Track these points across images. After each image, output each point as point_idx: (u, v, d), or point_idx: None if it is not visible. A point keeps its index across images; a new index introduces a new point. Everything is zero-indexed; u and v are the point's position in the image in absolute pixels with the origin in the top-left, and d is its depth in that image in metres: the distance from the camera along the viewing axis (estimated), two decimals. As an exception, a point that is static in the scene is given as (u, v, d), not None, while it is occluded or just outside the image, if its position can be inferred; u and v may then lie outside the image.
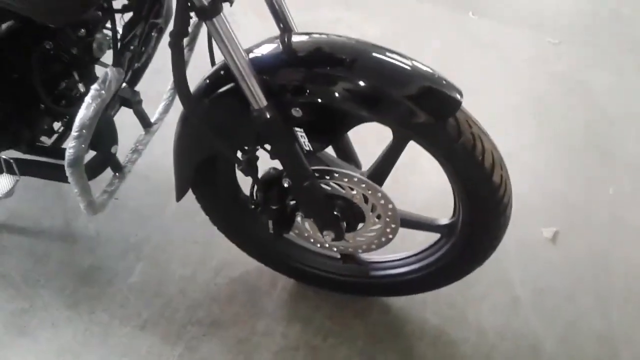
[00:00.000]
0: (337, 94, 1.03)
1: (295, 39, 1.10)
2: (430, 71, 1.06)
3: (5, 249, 1.65)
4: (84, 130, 1.01)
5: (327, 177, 1.19)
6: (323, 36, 1.10)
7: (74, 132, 1.02)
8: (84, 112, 1.01)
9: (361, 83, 1.03)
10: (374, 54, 1.06)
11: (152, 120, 1.51)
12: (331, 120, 1.10)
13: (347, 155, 1.34)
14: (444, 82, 1.05)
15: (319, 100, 1.05)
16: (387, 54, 1.06)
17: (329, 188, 1.20)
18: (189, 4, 0.92)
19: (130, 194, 1.80)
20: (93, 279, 1.60)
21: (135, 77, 1.42)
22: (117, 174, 1.39)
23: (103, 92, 1.01)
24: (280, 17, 1.14)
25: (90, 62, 1.18)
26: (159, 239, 1.69)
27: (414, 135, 1.11)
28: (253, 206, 1.21)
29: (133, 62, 1.18)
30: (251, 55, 1.07)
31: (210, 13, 0.93)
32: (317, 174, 1.19)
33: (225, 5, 0.97)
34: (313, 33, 1.11)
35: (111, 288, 1.58)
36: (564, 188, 1.88)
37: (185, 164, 1.28)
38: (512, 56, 2.39)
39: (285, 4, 1.14)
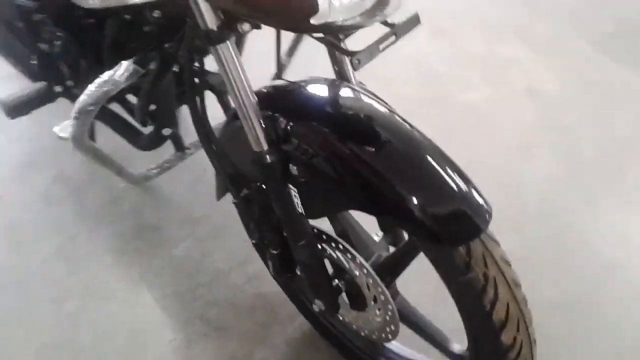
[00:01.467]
0: (344, 175, 0.84)
1: (342, 92, 0.92)
2: (465, 189, 0.81)
3: (92, 179, 1.80)
4: (81, 115, 1.00)
5: (333, 245, 1.03)
6: (375, 105, 0.89)
7: (72, 113, 1.02)
8: (84, 97, 1.00)
9: (383, 177, 0.81)
10: (418, 149, 0.83)
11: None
12: (328, 196, 0.92)
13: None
14: (476, 200, 0.80)
15: (322, 171, 0.87)
16: (432, 153, 0.83)
17: (334, 256, 1.04)
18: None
19: (218, 169, 1.82)
20: (147, 236, 1.66)
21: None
22: (177, 152, 1.39)
23: (108, 85, 0.98)
24: (338, 62, 0.99)
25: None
26: (217, 223, 1.69)
27: (423, 250, 0.88)
28: (254, 241, 1.10)
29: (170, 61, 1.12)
30: (280, 86, 0.94)
31: (215, 39, 0.82)
32: (324, 236, 1.03)
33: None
34: (369, 95, 0.92)
35: (155, 251, 1.63)
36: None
37: (220, 171, 1.22)
38: None
39: None
